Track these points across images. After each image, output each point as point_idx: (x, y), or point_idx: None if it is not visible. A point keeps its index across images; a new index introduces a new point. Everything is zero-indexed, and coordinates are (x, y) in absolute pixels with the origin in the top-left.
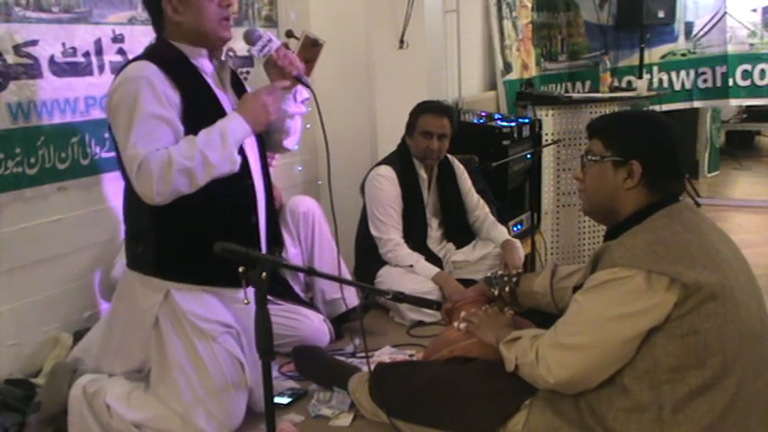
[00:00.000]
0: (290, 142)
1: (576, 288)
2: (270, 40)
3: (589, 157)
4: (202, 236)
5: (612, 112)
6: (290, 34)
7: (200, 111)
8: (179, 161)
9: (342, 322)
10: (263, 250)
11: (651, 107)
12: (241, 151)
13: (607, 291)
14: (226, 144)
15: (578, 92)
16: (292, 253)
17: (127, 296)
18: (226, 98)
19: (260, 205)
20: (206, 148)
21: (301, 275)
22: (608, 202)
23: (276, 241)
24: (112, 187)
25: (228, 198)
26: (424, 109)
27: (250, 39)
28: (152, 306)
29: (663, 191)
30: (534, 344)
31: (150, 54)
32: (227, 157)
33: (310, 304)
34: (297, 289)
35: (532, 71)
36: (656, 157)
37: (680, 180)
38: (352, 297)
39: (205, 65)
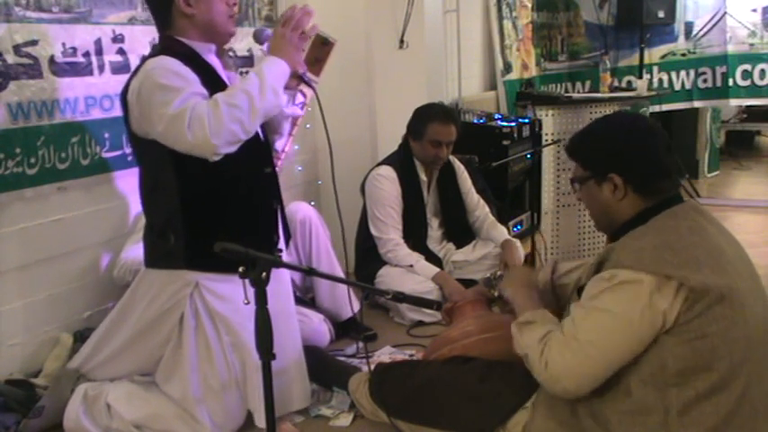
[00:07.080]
0: (280, 144)
1: (580, 288)
2: None
3: (574, 182)
4: (231, 223)
5: (584, 128)
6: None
7: None
8: (225, 100)
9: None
10: (281, 235)
11: (651, 107)
12: (259, 141)
13: (615, 295)
14: (266, 84)
15: (578, 92)
16: (288, 260)
17: (148, 296)
18: None
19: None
20: (249, 87)
21: (299, 280)
22: (607, 215)
23: (286, 228)
24: (113, 187)
25: (252, 185)
26: (433, 117)
27: (260, 38)
28: (180, 301)
29: (656, 192)
30: (543, 341)
31: (165, 49)
32: (271, 96)
33: (310, 304)
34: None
35: (532, 71)
36: (632, 165)
37: (670, 178)
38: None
39: (213, 61)
